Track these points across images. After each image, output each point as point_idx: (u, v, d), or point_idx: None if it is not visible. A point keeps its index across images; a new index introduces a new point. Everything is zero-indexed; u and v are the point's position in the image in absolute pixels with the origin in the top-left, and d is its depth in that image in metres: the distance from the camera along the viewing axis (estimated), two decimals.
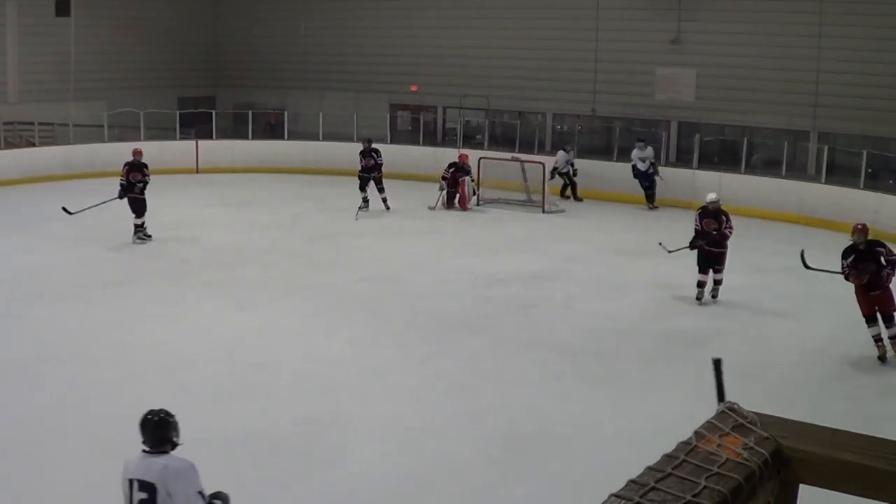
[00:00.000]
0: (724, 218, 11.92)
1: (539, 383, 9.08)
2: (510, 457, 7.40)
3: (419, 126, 24.14)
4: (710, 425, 1.51)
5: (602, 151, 21.96)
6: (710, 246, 12.04)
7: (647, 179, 18.87)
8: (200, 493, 4.83)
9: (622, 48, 21.63)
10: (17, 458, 7.12)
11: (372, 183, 17.71)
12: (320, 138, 22.72)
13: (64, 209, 14.58)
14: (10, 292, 11.73)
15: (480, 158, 19.06)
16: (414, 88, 24.87)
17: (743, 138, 20.30)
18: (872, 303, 10.08)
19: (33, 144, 22.26)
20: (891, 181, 18.69)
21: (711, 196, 12.05)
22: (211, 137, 22.85)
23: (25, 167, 20.16)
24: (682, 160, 20.93)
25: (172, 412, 4.91)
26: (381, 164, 17.88)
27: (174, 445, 4.90)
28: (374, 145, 18.10)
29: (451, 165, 18.50)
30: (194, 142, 22.45)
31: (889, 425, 7.36)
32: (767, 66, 20.04)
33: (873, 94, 18.69)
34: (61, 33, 23.14)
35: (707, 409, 1.66)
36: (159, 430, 4.90)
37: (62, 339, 10.03)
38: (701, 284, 12.15)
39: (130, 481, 4.84)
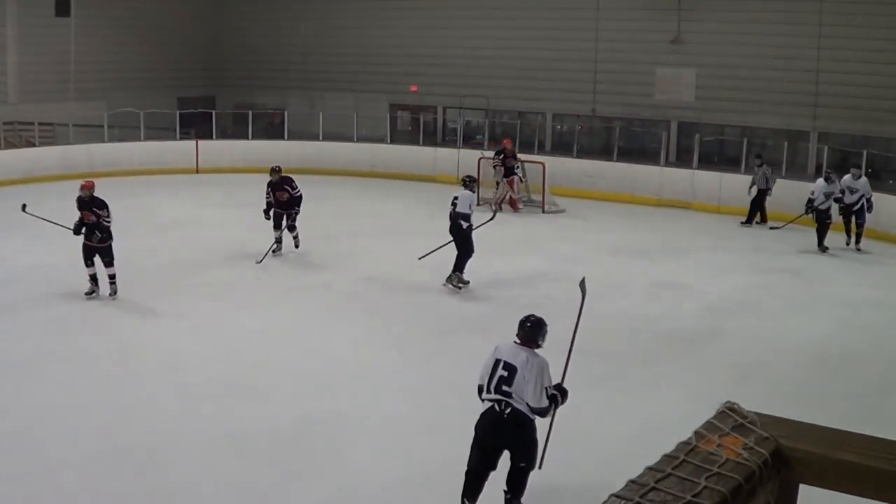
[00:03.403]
0: None
1: None
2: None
3: (419, 126, 24.16)
4: (710, 425, 1.51)
5: (602, 151, 21.98)
6: None
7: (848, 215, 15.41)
8: (546, 388, 6.04)
9: (622, 48, 21.65)
10: (17, 458, 7.11)
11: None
12: (320, 138, 22.73)
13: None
14: (11, 292, 11.73)
15: (480, 158, 19.06)
16: (414, 88, 24.89)
17: (743, 138, 20.32)
18: None
19: (33, 144, 22.29)
20: (891, 181, 18.70)
21: None
22: (211, 137, 22.89)
23: (25, 167, 20.16)
24: (682, 160, 20.94)
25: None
26: (300, 197, 13.91)
27: (538, 345, 6.21)
28: (284, 174, 14.08)
29: (499, 152, 18.51)
30: (194, 142, 22.48)
31: (889, 425, 7.36)
32: (767, 66, 20.06)
33: (873, 94, 18.71)
34: (61, 33, 23.16)
35: (707, 409, 1.66)
36: (533, 330, 6.26)
37: (62, 339, 10.03)
38: None
39: (497, 360, 6.14)
